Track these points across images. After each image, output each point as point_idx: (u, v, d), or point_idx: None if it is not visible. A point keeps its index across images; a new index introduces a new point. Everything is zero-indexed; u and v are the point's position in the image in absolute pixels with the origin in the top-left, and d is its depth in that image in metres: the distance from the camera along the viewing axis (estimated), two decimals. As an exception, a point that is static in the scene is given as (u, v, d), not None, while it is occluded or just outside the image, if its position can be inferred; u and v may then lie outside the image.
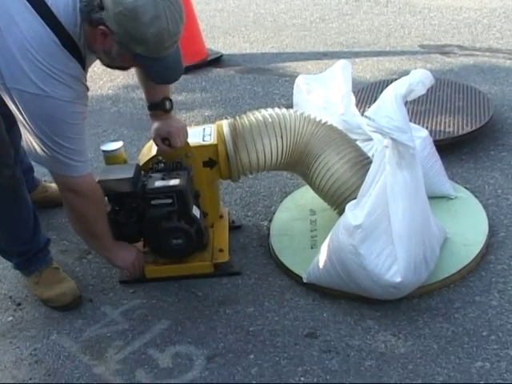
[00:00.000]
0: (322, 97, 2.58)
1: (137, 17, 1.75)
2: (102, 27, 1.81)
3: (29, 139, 1.95)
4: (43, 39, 1.81)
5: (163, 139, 2.29)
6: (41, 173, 2.86)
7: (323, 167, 2.33)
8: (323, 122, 2.41)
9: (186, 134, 2.33)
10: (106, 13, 1.77)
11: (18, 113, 1.89)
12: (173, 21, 1.80)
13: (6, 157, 2.16)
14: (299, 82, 2.68)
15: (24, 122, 1.89)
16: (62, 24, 1.83)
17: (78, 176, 2.03)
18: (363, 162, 2.32)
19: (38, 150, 1.94)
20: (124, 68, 2.07)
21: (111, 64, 2.00)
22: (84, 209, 2.13)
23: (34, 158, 2.01)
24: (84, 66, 1.96)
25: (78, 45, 1.89)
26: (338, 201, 2.36)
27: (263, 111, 2.44)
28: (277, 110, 2.44)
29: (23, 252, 2.37)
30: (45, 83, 1.83)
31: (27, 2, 1.80)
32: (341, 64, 2.60)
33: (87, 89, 2.00)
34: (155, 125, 2.32)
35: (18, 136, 2.18)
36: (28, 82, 1.81)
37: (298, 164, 2.42)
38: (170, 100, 2.33)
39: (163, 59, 1.87)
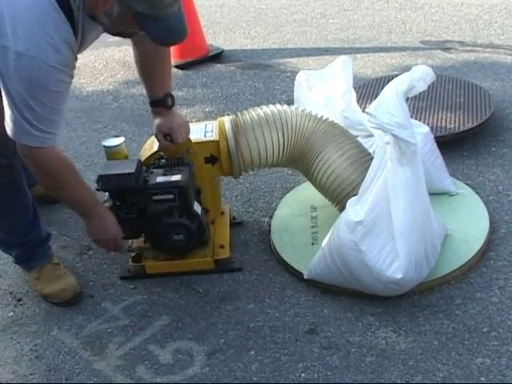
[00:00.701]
0: (323, 93, 2.57)
1: None
2: None
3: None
4: None
5: (165, 135, 2.29)
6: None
7: (324, 163, 2.33)
8: (324, 118, 2.41)
9: (187, 130, 2.32)
10: None
11: None
12: None
13: (4, 147, 2.13)
14: (300, 78, 2.68)
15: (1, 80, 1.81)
16: None
17: (33, 147, 1.91)
18: (364, 159, 2.32)
19: (7, 109, 1.86)
20: (125, 34, 2.00)
21: (113, 28, 1.91)
22: (42, 177, 2.05)
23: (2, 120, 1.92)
24: (76, 33, 1.88)
25: (73, 8, 1.83)
26: (338, 197, 2.36)
27: (264, 108, 2.44)
28: (278, 106, 2.44)
29: (22, 243, 2.37)
30: (31, 42, 1.75)
31: None
32: (341, 60, 2.60)
33: (76, 58, 1.93)
34: (157, 121, 2.31)
35: None
36: (15, 39, 1.74)
37: (299, 160, 2.42)
38: (172, 96, 2.31)
39: (165, 19, 1.80)
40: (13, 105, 1.83)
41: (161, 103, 2.30)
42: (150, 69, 2.29)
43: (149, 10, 1.77)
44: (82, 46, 2.00)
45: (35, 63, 1.77)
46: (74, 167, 2.11)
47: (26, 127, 1.86)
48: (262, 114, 2.40)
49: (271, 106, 2.44)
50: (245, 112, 2.45)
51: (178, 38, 1.90)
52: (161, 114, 2.32)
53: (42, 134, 1.89)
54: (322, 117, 2.41)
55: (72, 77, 1.93)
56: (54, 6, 1.78)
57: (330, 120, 2.42)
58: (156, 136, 2.33)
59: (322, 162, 2.34)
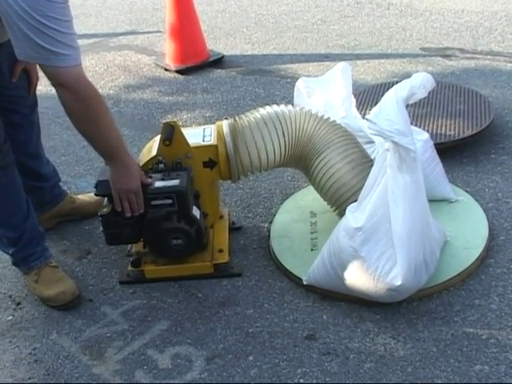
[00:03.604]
0: (322, 100, 2.58)
1: None
2: None
3: (15, 32, 1.86)
4: None
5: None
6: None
7: (325, 165, 2.33)
8: (325, 117, 2.40)
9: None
10: None
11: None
12: None
13: None
14: (299, 85, 2.69)
15: (8, 9, 1.81)
16: None
17: (65, 67, 1.91)
18: (366, 165, 2.32)
19: (23, 38, 1.85)
20: None
21: None
22: (77, 107, 2.01)
23: (23, 52, 1.90)
24: None
25: None
26: (338, 201, 2.36)
27: (263, 109, 2.44)
28: (275, 107, 2.43)
29: (17, 237, 2.36)
30: None
31: None
32: (341, 66, 2.60)
33: None
34: None
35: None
36: None
37: (300, 159, 2.41)
38: None
39: None
40: (30, 30, 1.83)
41: None
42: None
43: None
44: None
45: None
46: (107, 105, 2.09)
47: (51, 47, 1.86)
48: (260, 116, 2.40)
49: (269, 107, 2.44)
50: (243, 115, 2.45)
51: None
52: None
53: (68, 50, 1.90)
54: (322, 116, 2.41)
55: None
56: None
57: (332, 120, 2.42)
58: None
59: (322, 163, 2.33)
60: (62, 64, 1.91)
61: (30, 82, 2.46)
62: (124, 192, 2.19)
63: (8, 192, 2.30)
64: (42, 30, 1.83)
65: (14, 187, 2.31)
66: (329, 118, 2.42)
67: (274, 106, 2.45)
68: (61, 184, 2.81)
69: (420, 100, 2.17)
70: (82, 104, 2.00)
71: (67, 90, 1.96)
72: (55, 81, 1.95)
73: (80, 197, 2.86)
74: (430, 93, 2.16)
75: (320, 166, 2.35)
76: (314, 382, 1.92)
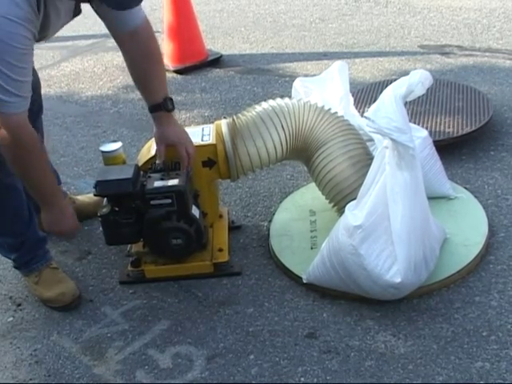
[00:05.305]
0: (320, 99, 2.57)
1: None
2: None
3: None
4: None
5: (167, 146, 2.29)
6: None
7: (325, 158, 2.33)
8: (327, 108, 2.40)
9: (192, 145, 2.30)
10: None
11: None
12: None
13: None
14: (297, 85, 2.69)
15: None
16: None
17: (5, 113, 1.87)
18: (367, 162, 2.30)
19: None
20: None
21: None
22: (12, 151, 1.97)
23: None
24: None
25: None
26: (336, 197, 2.36)
27: (261, 105, 2.43)
28: (272, 101, 2.43)
29: (19, 244, 2.36)
30: None
31: None
32: (338, 65, 2.61)
33: (37, 18, 1.86)
34: (160, 130, 2.30)
35: None
36: None
37: (302, 151, 2.41)
38: (171, 99, 2.29)
39: None
40: None
41: (161, 107, 2.28)
42: (144, 72, 2.26)
43: None
44: (46, 23, 1.94)
45: None
46: (46, 152, 2.07)
47: None
48: (258, 113, 2.40)
49: (266, 103, 2.43)
50: (241, 114, 2.45)
51: (132, 1, 1.89)
52: (162, 119, 2.29)
53: (13, 98, 1.85)
54: (323, 107, 2.40)
55: (35, 36, 1.88)
56: None
57: (334, 112, 2.41)
58: (158, 145, 2.31)
59: (323, 156, 2.33)
60: (2, 110, 1.87)
61: None
62: (57, 233, 2.34)
63: (9, 201, 2.28)
64: None
65: (15, 196, 2.30)
66: (330, 109, 2.41)
67: (271, 101, 2.44)
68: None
69: (418, 97, 2.17)
70: (16, 149, 1.96)
71: (7, 134, 1.91)
72: None
73: (79, 197, 2.86)
74: (428, 90, 2.16)
75: (320, 158, 2.34)
76: (315, 380, 1.92)
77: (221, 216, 2.63)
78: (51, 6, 1.91)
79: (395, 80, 2.14)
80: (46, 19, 1.93)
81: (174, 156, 2.32)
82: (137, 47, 2.18)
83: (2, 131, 1.91)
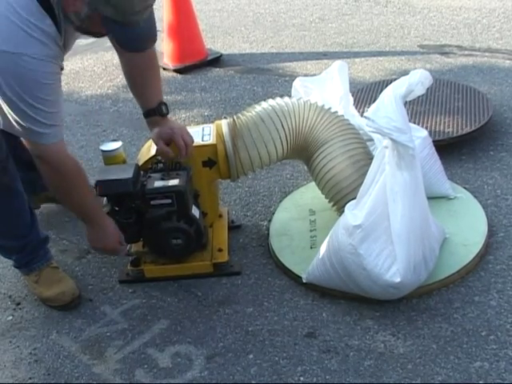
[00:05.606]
0: (320, 99, 2.57)
1: None
2: None
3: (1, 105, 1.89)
4: None
5: (166, 142, 2.29)
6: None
7: (325, 157, 2.33)
8: (327, 107, 2.40)
9: (189, 134, 2.32)
10: None
11: None
12: None
13: None
14: (297, 84, 2.69)
15: None
16: None
17: (45, 144, 1.95)
18: (367, 162, 2.29)
19: (9, 114, 1.89)
20: (95, 34, 1.97)
21: (81, 27, 1.89)
22: (54, 178, 2.05)
23: (6, 125, 1.95)
24: (60, 30, 1.88)
25: (52, 4, 1.82)
26: (336, 196, 2.36)
27: (261, 105, 2.43)
28: (272, 101, 2.43)
29: (21, 247, 2.36)
30: (17, 39, 1.76)
31: None
32: (337, 65, 2.61)
33: (62, 51, 1.94)
34: (156, 130, 2.31)
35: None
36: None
37: (303, 150, 2.41)
38: (165, 104, 2.31)
39: (132, 25, 1.79)
40: (13, 107, 1.85)
41: (155, 112, 2.30)
42: (139, 77, 2.28)
43: (116, 15, 1.76)
44: (66, 44, 1.98)
45: (23, 59, 1.78)
46: (85, 172, 2.14)
47: (33, 126, 1.89)
48: (258, 113, 2.40)
49: (266, 103, 2.43)
50: (241, 114, 2.45)
51: (144, 44, 1.93)
52: (157, 122, 2.31)
53: (48, 129, 1.92)
54: (323, 106, 2.40)
55: (62, 68, 1.95)
56: (33, 2, 1.78)
57: (334, 111, 2.41)
58: (157, 144, 2.32)
59: (323, 155, 2.33)
60: (42, 141, 1.95)
61: None
62: (100, 250, 2.36)
63: (12, 204, 2.27)
64: (28, 113, 1.86)
65: (18, 199, 2.29)
66: (330, 109, 2.41)
67: (271, 101, 2.44)
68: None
69: (418, 97, 2.17)
70: (58, 177, 2.05)
71: (45, 163, 2.00)
72: (33, 153, 1.99)
73: None
74: (428, 90, 2.16)
75: (320, 157, 2.34)
76: (314, 379, 1.92)
77: (220, 216, 2.63)
78: (68, 32, 1.95)
79: (395, 80, 2.14)
80: (66, 38, 1.97)
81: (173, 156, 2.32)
82: (138, 62, 2.20)
83: (44, 162, 1.99)
